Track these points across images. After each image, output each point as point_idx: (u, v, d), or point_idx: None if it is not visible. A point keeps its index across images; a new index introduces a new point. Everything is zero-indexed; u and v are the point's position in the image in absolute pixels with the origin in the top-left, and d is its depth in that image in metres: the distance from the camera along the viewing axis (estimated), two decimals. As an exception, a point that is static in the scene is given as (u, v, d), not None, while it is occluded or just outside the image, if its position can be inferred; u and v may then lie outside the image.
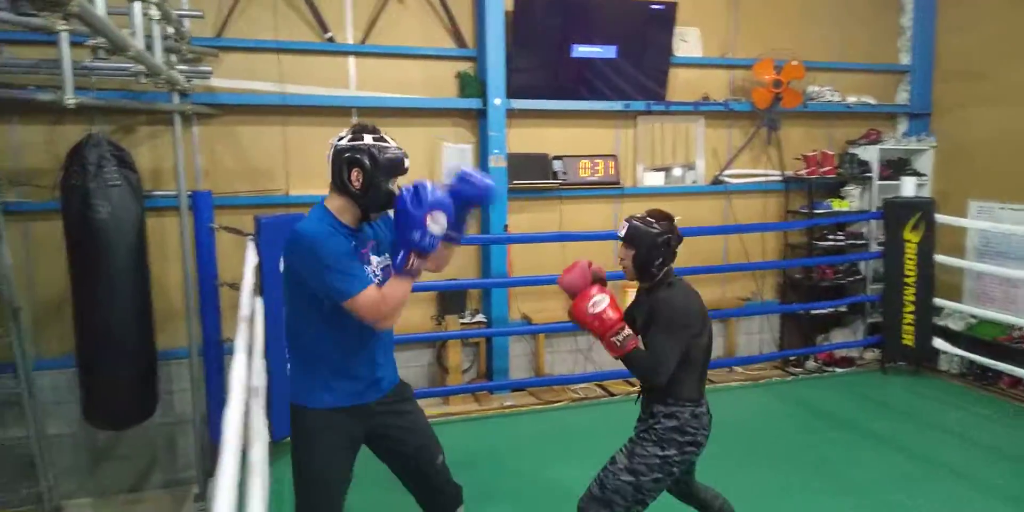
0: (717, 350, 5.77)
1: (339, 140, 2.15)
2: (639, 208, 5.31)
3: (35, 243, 4.19)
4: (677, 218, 2.58)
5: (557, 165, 5.20)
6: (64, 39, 2.68)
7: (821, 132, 5.98)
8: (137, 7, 2.92)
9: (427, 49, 4.88)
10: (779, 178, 5.82)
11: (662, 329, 2.39)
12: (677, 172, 5.61)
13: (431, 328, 5.00)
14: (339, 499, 2.28)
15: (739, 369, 5.57)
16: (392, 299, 2.10)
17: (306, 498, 2.25)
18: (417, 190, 2.06)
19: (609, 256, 5.46)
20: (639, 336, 2.46)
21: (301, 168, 4.63)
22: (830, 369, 5.55)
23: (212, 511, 1.19)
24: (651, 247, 2.45)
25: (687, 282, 2.54)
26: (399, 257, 2.12)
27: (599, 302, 2.39)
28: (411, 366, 5.01)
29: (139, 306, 3.70)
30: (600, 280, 2.54)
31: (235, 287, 3.38)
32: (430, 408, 4.75)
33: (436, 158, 4.95)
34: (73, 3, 1.82)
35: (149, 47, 3.13)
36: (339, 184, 2.13)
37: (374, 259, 2.24)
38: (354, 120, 4.75)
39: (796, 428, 4.40)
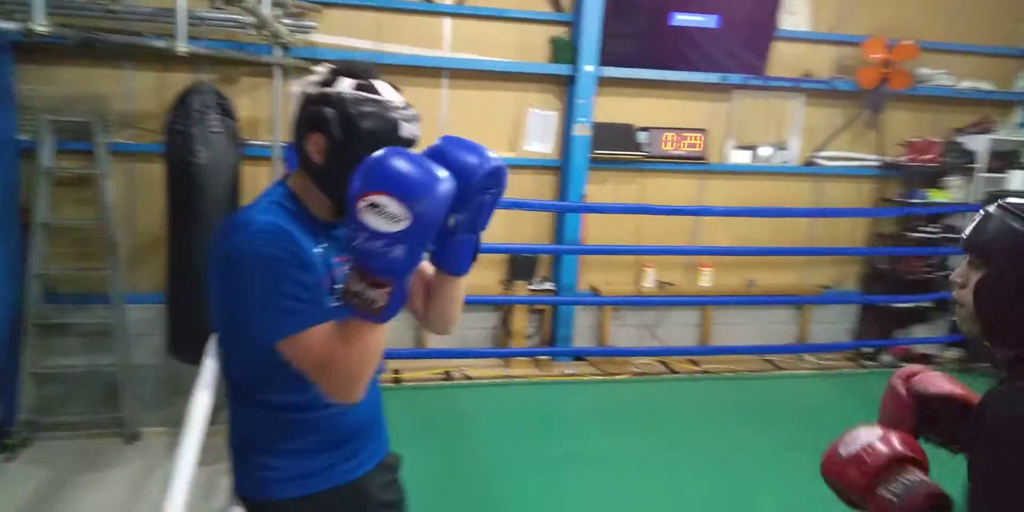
0: (788, 336, 5.71)
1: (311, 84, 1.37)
2: (724, 186, 5.35)
3: (138, 184, 4.44)
4: None
5: (642, 136, 5.10)
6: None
7: (928, 117, 5.65)
8: (249, -40, 3.02)
9: (523, 12, 4.84)
10: (876, 164, 5.56)
11: None
12: (764, 151, 5.42)
13: (499, 292, 5.05)
14: None
15: (809, 357, 5.45)
16: (357, 349, 1.24)
17: None
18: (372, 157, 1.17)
19: (687, 235, 5.39)
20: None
21: (389, 125, 4.71)
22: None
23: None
24: None
25: None
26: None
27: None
28: (476, 328, 5.12)
29: (229, 250, 3.86)
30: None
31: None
32: (492, 369, 4.89)
33: (521, 124, 4.95)
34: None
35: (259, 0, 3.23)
36: (298, 154, 1.38)
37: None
38: (444, 81, 4.79)
39: (862, 420, 4.29)
